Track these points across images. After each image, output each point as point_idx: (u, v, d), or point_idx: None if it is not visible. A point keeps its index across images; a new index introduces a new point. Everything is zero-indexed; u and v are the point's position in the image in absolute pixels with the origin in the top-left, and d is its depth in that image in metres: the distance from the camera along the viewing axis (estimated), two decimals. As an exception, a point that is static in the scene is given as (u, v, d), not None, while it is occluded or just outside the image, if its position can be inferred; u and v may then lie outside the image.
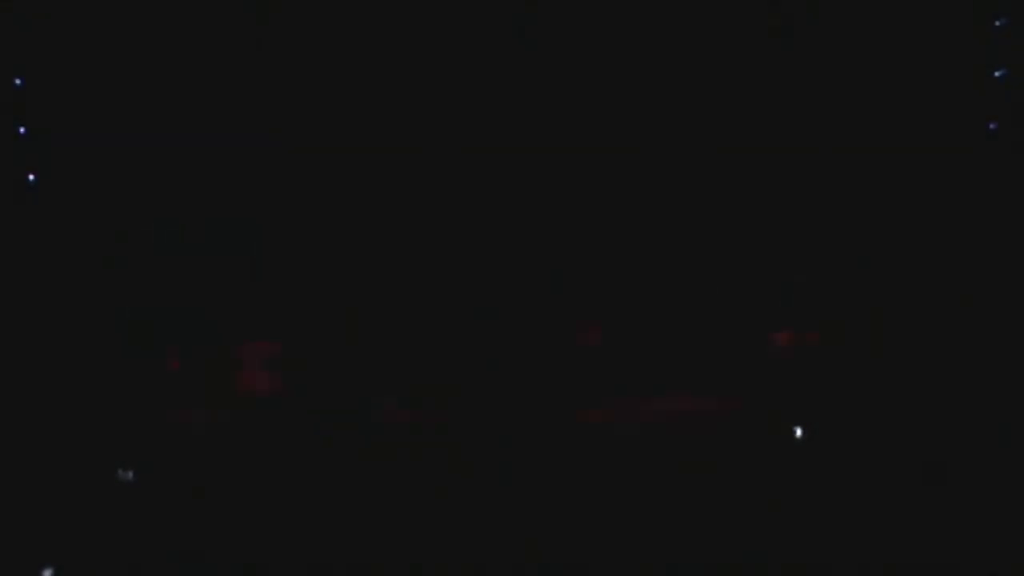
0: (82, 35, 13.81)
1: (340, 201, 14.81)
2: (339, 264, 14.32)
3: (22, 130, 13.89)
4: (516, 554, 6.44)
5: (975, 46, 13.83)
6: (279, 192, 14.84)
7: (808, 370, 13.43)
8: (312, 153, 14.48)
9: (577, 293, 14.24)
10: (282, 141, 14.49)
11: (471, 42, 14.58)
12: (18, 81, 13.75)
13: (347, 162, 14.69)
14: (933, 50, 13.81)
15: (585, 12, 14.23)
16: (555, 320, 14.44)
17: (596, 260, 14.17)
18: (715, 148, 14.17)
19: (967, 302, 13.22)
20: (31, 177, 13.97)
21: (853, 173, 14.82)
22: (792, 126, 14.70)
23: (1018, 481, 7.14)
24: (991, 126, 13.86)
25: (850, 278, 13.86)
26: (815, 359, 13.53)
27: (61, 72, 13.78)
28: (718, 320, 15.63)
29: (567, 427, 12.67)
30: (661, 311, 14.78)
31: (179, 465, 7.88)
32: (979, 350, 12.72)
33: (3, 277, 13.40)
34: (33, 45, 13.59)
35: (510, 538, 6.61)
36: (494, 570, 6.42)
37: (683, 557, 6.38)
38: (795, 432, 8.41)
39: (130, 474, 7.34)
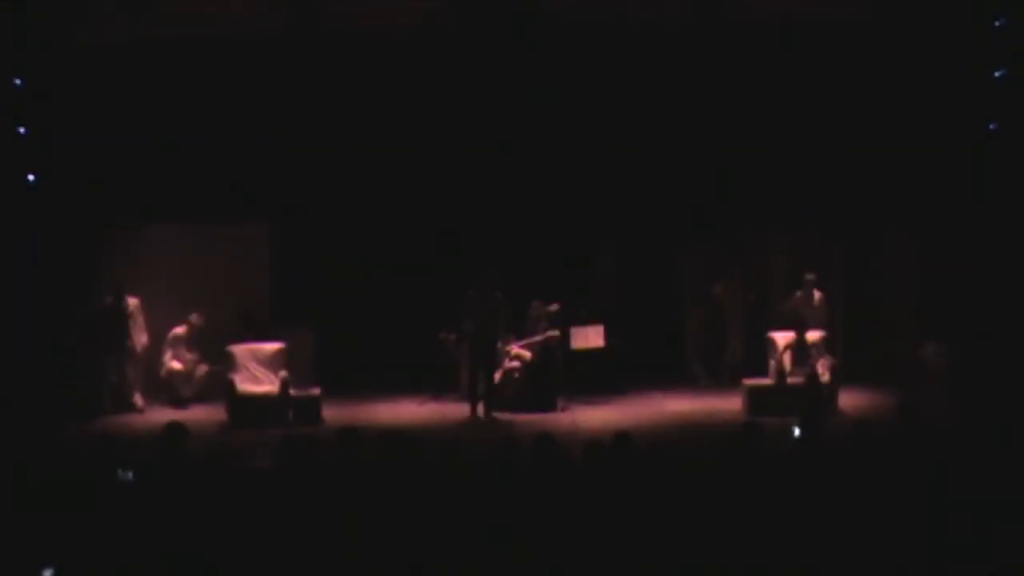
0: None
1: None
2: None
3: (22, 130, 13.91)
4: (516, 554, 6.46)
5: (975, 46, 13.85)
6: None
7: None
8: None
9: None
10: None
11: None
12: (18, 81, 13.76)
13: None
14: (933, 50, 13.83)
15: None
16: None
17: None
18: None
19: None
20: (31, 177, 13.99)
21: (854, 173, 14.83)
22: (792, 128, 14.72)
23: None
24: (991, 126, 13.87)
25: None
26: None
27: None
28: None
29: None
30: None
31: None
32: None
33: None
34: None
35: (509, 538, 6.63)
36: (493, 570, 6.43)
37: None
38: (793, 432, 8.41)
39: (130, 474, 7.33)
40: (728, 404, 13.69)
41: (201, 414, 13.68)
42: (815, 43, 14.07)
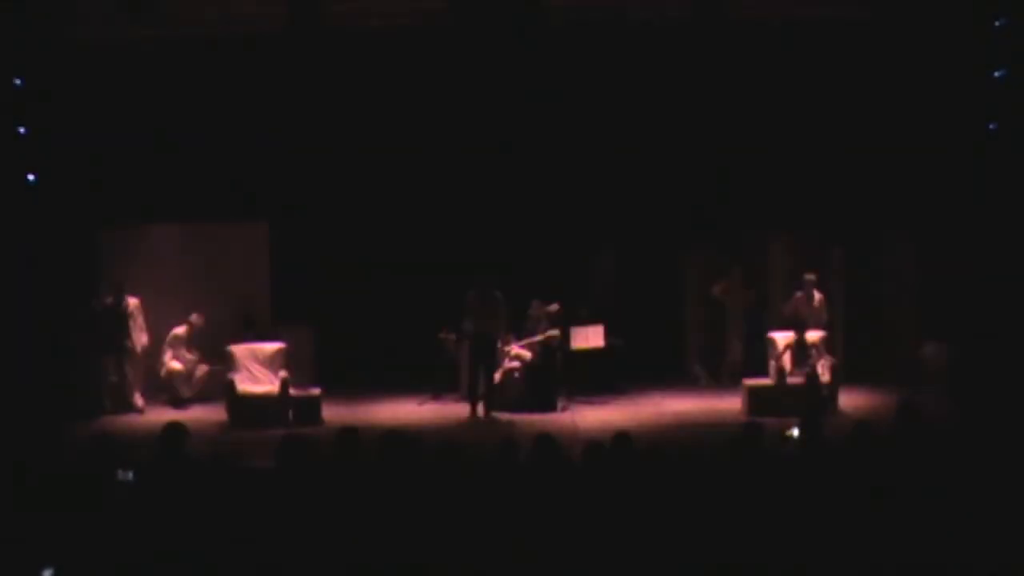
0: None
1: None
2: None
3: (22, 130, 13.90)
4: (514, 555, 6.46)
5: (975, 46, 13.84)
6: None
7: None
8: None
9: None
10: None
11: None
12: (18, 81, 13.75)
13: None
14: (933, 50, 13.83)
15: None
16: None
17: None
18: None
19: None
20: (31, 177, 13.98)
21: (853, 172, 14.83)
22: (793, 129, 14.72)
23: None
24: (991, 126, 13.86)
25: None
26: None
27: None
28: None
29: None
30: None
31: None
32: None
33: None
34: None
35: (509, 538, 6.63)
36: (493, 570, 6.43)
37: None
38: (792, 433, 8.41)
39: (130, 474, 7.33)
40: (728, 404, 13.70)
41: (201, 414, 13.68)
42: (815, 43, 14.07)
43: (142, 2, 13.36)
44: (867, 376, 14.45)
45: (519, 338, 14.33)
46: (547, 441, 7.11)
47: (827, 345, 13.73)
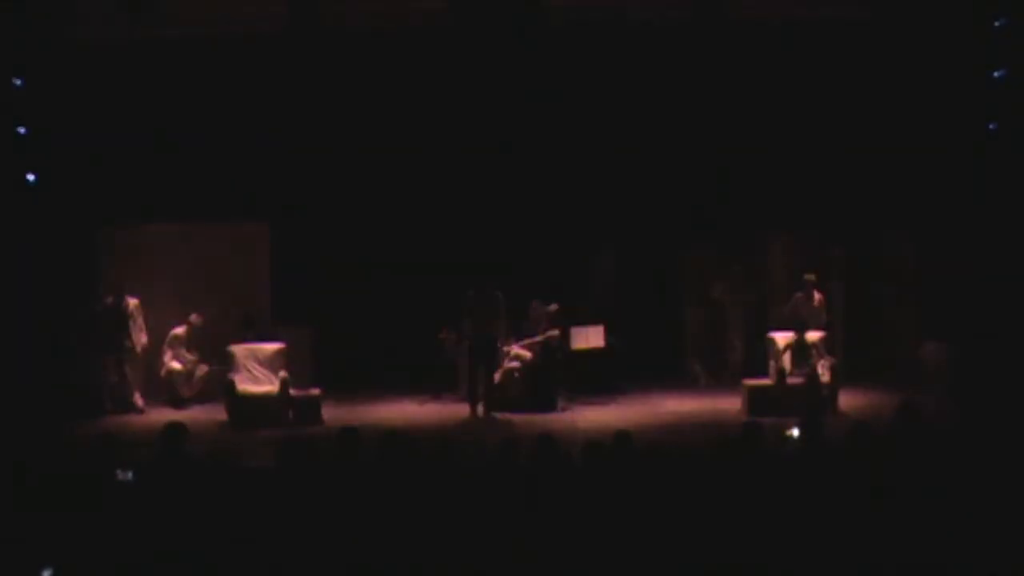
0: None
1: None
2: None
3: (22, 130, 13.90)
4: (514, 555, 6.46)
5: (975, 46, 13.84)
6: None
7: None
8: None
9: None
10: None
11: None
12: (18, 81, 13.75)
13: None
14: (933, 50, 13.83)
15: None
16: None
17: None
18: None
19: None
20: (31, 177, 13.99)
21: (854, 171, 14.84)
22: (793, 129, 14.72)
23: None
24: (991, 126, 13.86)
25: None
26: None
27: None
28: None
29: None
30: None
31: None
32: None
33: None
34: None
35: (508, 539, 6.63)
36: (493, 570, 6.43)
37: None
38: (792, 433, 8.41)
39: (129, 474, 7.33)
40: (728, 404, 13.69)
41: (201, 414, 13.67)
42: (815, 43, 14.07)
43: (142, 2, 13.38)
44: (867, 376, 14.45)
45: (519, 338, 14.33)
46: (547, 441, 7.12)
47: (827, 345, 13.73)
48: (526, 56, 14.37)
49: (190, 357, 14.46)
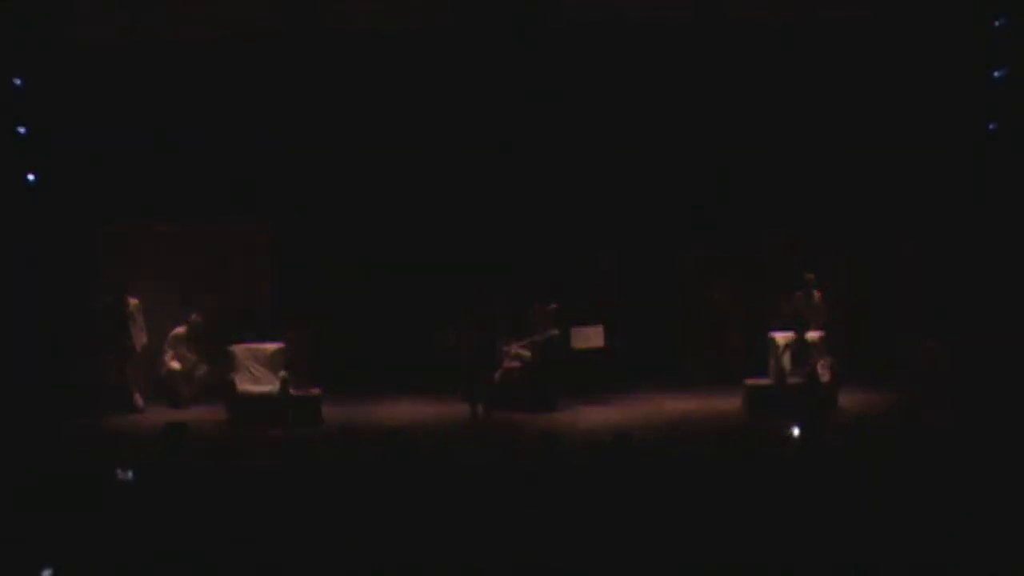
0: None
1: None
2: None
3: (22, 130, 13.91)
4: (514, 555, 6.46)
5: (975, 46, 13.85)
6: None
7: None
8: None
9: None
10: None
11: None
12: (18, 81, 13.76)
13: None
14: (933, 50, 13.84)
15: None
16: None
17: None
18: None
19: None
20: (31, 177, 14.00)
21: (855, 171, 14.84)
22: (792, 129, 14.73)
23: None
24: (991, 126, 13.87)
25: None
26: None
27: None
28: None
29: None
30: None
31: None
32: None
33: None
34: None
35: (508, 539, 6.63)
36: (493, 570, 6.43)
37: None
38: (792, 433, 8.42)
39: (129, 474, 7.33)
40: (728, 404, 13.69)
41: (201, 414, 13.66)
42: (815, 43, 14.07)
43: (142, 2, 13.39)
44: (867, 376, 14.45)
45: (519, 338, 14.33)
46: (547, 441, 7.12)
47: (827, 345, 13.73)
48: (526, 56, 14.38)
49: (190, 357, 14.46)
